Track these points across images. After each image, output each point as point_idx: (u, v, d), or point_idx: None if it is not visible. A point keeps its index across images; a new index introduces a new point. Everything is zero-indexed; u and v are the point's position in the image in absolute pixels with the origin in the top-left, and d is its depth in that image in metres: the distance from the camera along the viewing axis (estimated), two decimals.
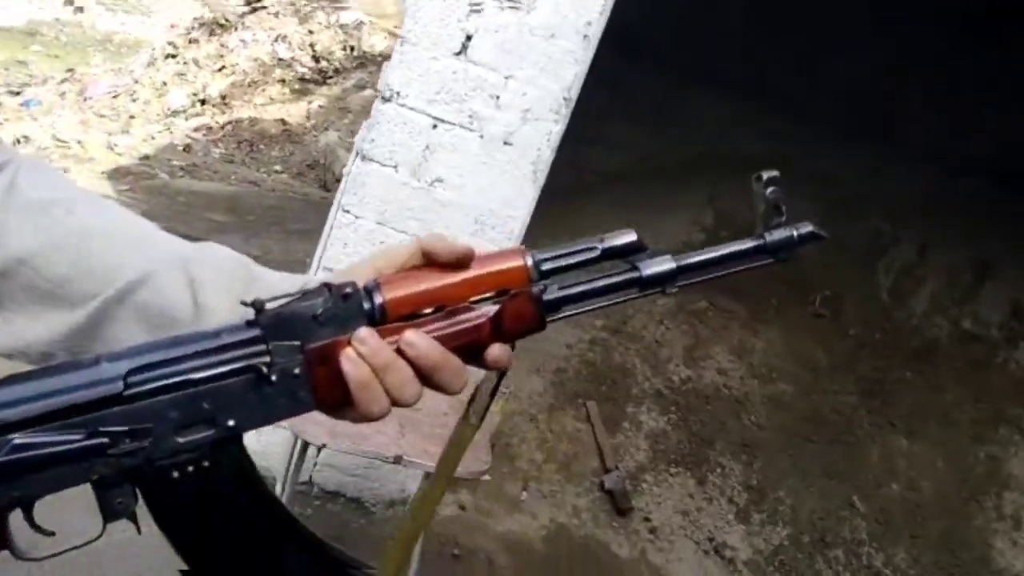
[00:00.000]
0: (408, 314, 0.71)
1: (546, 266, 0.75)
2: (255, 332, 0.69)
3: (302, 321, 0.69)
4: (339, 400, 0.70)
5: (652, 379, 4.36)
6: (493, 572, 3.25)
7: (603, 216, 5.37)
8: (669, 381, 4.40)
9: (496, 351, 0.73)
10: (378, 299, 0.70)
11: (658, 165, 6.14)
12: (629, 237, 0.77)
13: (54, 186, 0.80)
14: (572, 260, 0.76)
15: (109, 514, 0.67)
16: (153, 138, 8.36)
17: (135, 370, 0.66)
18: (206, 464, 0.68)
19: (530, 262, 0.74)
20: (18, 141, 7.18)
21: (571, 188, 5.37)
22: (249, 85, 9.80)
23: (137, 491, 0.67)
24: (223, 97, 9.48)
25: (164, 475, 0.67)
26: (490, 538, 3.43)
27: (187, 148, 8.29)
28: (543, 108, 3.00)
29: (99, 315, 0.75)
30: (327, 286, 0.70)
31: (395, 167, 3.03)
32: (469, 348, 0.72)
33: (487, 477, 3.81)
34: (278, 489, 2.61)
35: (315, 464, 3.35)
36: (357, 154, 3.06)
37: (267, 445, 2.93)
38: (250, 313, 0.69)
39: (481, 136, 3.02)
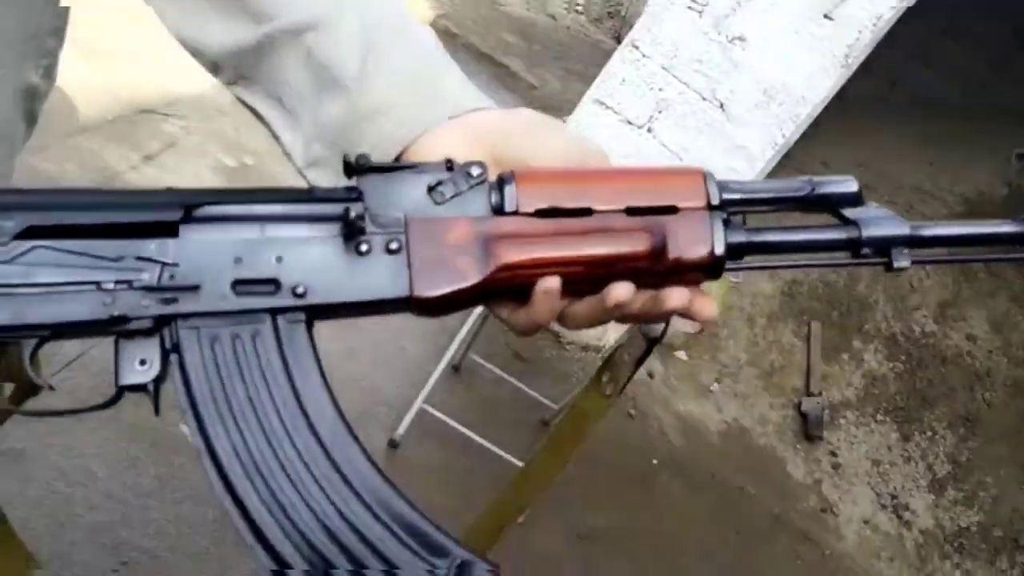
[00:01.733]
0: (544, 210, 0.57)
1: (732, 195, 0.59)
2: (354, 192, 0.57)
3: (412, 191, 0.57)
4: (443, 293, 0.56)
5: (891, 321, 4.04)
6: (664, 441, 3.27)
7: (900, 139, 4.91)
8: (909, 329, 4.07)
9: (677, 297, 0.57)
10: (510, 192, 0.57)
11: (984, 102, 5.43)
12: (849, 186, 0.60)
13: None
14: (767, 196, 0.60)
15: (125, 375, 0.53)
16: None
17: (202, 203, 0.55)
18: (258, 338, 0.55)
19: (712, 183, 0.59)
20: None
21: (873, 97, 4.91)
22: None
23: (167, 358, 0.54)
24: None
25: (204, 338, 0.54)
26: (669, 412, 3.42)
27: None
28: None
29: (269, 41, 0.68)
30: (449, 162, 0.58)
31: (700, 12, 2.87)
32: (614, 270, 0.57)
33: (683, 355, 3.78)
34: None
35: None
36: None
37: None
38: None
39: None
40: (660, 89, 2.96)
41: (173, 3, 0.75)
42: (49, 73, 0.79)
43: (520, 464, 2.72)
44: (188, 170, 3.28)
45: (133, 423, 2.20)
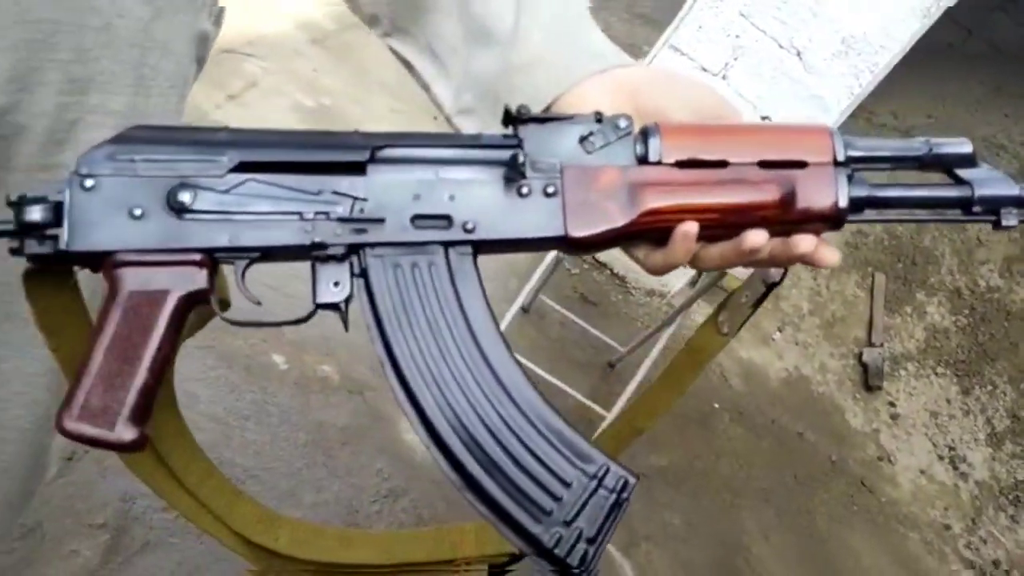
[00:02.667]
0: (685, 161, 0.63)
1: (856, 152, 0.64)
2: (515, 140, 0.63)
3: (566, 140, 0.63)
4: (593, 233, 0.63)
5: (956, 275, 4.03)
6: (725, 387, 3.34)
7: (973, 89, 4.81)
8: (974, 284, 4.05)
9: (806, 243, 0.63)
10: (655, 144, 0.63)
11: None
12: (964, 147, 0.64)
13: None
14: (887, 153, 0.65)
15: (318, 293, 0.61)
16: None
17: (385, 145, 0.61)
18: (433, 268, 0.62)
19: (838, 140, 0.64)
20: None
21: (947, 46, 4.80)
22: None
23: (354, 282, 0.61)
24: None
25: (388, 265, 0.61)
26: (731, 358, 3.48)
27: None
28: None
29: None
30: (599, 114, 0.64)
31: None
32: (746, 218, 0.63)
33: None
34: None
35: None
36: None
37: None
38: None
39: None
40: (737, 36, 2.95)
41: None
42: (218, 20, 0.86)
43: (588, 403, 2.83)
44: (269, 110, 3.37)
45: (229, 351, 2.33)
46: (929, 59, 4.56)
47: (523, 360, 2.69)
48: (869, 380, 3.68)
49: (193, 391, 2.17)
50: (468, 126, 0.74)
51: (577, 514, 0.59)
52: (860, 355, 3.75)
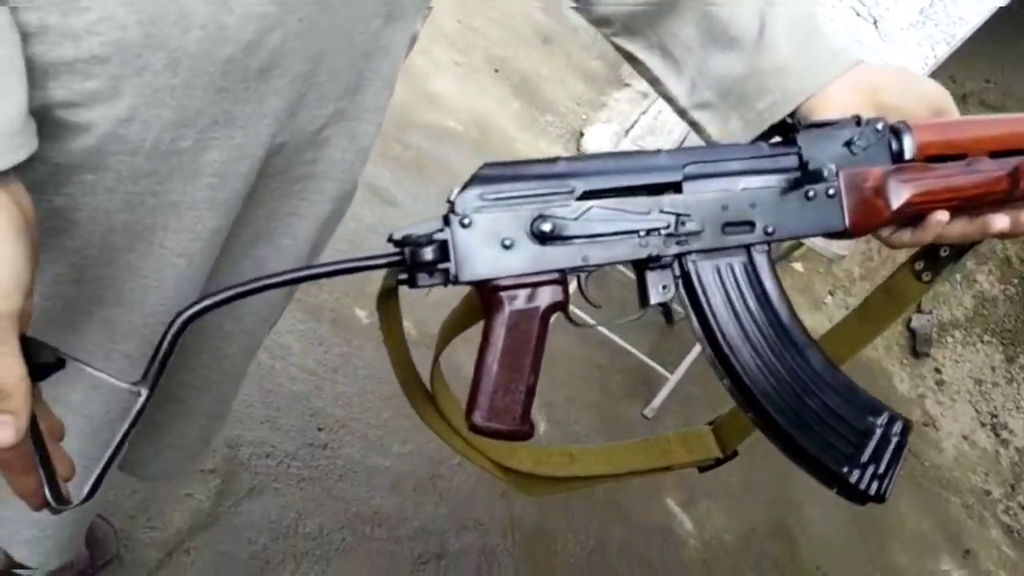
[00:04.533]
0: (932, 156, 0.72)
1: None
2: (794, 148, 0.71)
3: (834, 145, 0.71)
4: (865, 225, 0.72)
5: (1008, 244, 4.05)
6: None
7: None
8: None
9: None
10: (908, 141, 0.71)
11: None
12: None
13: None
14: None
15: (650, 296, 0.70)
16: None
17: (692, 163, 0.69)
18: (743, 266, 0.70)
19: None
20: None
21: (1007, 12, 4.72)
22: None
23: (678, 283, 0.70)
24: None
25: (707, 268, 0.70)
26: None
27: None
28: None
29: (670, 4, 0.79)
30: (857, 118, 0.71)
31: None
32: (981, 201, 0.73)
33: (799, 267, 3.87)
34: None
35: None
36: None
37: None
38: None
39: None
40: (815, 3, 2.94)
41: None
42: (423, 21, 0.91)
43: (651, 363, 2.90)
44: None
45: (315, 305, 2.40)
46: (987, 24, 4.49)
47: (586, 318, 2.77)
48: (917, 346, 3.73)
49: (285, 343, 2.25)
50: (706, 120, 0.82)
51: (871, 456, 0.71)
52: (909, 321, 3.80)
